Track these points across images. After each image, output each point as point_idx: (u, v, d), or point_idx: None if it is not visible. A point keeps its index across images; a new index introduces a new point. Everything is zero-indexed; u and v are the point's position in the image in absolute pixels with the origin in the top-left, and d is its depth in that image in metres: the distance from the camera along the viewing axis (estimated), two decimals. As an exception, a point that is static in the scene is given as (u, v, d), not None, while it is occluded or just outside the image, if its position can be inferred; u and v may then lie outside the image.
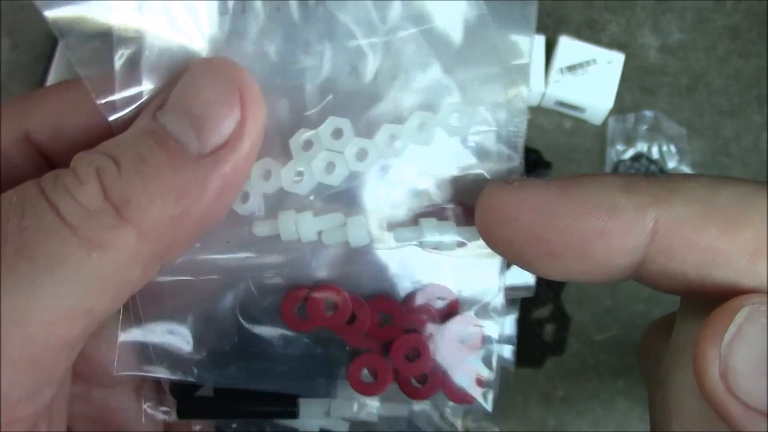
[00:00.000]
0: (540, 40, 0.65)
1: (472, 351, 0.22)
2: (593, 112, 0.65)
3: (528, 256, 0.18)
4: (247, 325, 0.22)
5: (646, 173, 0.16)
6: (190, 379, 0.22)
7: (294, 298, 0.22)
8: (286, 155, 0.21)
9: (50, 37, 0.68)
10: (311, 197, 0.21)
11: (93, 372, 0.24)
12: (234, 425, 0.25)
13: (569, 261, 0.18)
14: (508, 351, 0.24)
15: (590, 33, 0.67)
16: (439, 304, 0.22)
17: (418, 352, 0.22)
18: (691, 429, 0.17)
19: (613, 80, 0.64)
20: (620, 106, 0.66)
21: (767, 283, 0.16)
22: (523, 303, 0.25)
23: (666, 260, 0.17)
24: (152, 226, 0.17)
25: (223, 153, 0.17)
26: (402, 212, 0.21)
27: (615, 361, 0.64)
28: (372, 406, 0.24)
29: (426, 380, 0.22)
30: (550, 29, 0.66)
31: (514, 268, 0.22)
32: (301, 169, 0.20)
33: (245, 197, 0.20)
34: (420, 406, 0.24)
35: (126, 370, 0.22)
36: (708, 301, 0.17)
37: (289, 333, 0.22)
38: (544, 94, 0.65)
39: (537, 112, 0.66)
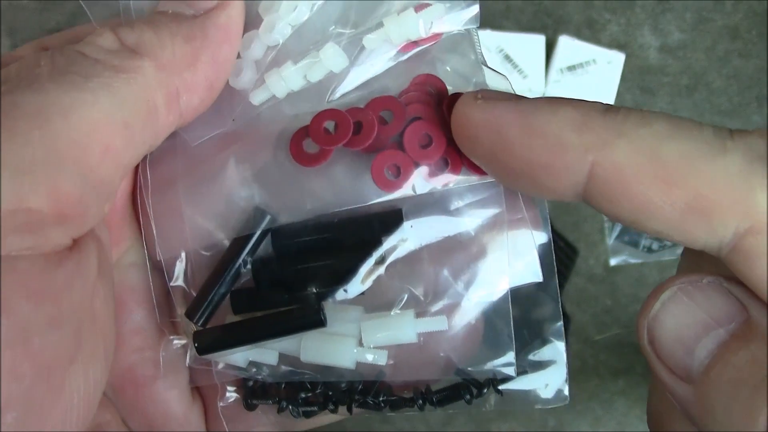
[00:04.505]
0: (540, 40, 0.65)
1: None
2: (593, 112, 0.65)
3: (490, 170, 0.20)
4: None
5: (611, 107, 0.18)
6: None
7: (299, 136, 0.22)
8: None
9: (50, 37, 0.68)
10: (290, 60, 0.23)
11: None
12: (292, 407, 0.24)
13: (522, 182, 0.19)
14: None
15: (590, 33, 0.67)
16: (432, 91, 0.22)
17: (430, 138, 0.22)
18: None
19: (613, 80, 0.64)
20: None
21: (698, 242, 0.17)
22: (523, 303, 0.24)
23: (601, 201, 0.18)
24: (167, 60, 0.20)
25: (215, 12, 0.21)
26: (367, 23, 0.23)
27: (615, 361, 0.64)
28: (407, 320, 0.23)
29: (447, 164, 0.22)
30: (550, 29, 0.67)
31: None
32: (273, 23, 0.23)
33: (238, 71, 0.22)
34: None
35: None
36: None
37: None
38: (544, 95, 0.65)
39: (537, 112, 0.66)
